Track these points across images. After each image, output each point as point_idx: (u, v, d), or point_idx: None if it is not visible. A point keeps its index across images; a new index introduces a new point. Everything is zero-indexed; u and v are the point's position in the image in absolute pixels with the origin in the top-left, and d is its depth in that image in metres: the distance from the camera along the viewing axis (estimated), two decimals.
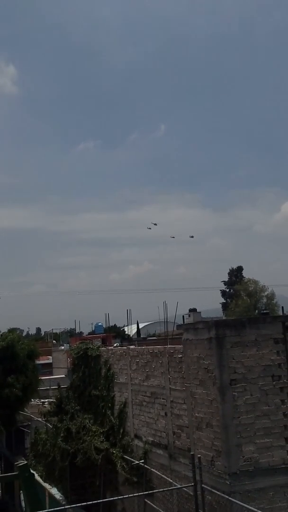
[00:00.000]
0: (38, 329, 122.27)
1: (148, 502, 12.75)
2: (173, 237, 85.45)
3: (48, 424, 20.04)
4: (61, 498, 18.01)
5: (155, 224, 74.67)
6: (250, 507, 9.12)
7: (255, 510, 8.96)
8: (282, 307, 19.82)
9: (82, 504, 11.78)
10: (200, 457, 9.98)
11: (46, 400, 27.81)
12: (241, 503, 9.34)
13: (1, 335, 25.36)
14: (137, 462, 13.57)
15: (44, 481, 19.35)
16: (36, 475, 19.12)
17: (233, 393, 10.11)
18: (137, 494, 12.67)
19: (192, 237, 78.85)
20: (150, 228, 75.16)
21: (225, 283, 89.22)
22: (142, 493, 12.40)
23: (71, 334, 63.27)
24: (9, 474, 17.14)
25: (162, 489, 11.78)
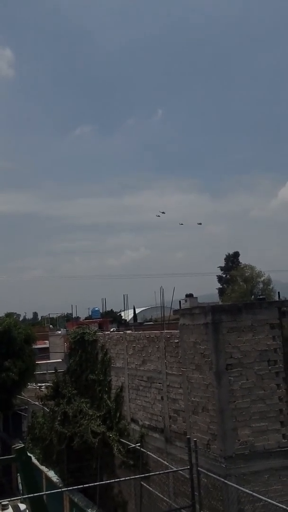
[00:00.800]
0: (35, 314, 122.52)
1: (144, 484, 12.89)
2: (182, 224, 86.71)
3: (45, 408, 20.18)
4: (58, 481, 18.20)
5: (163, 213, 78.17)
6: (245, 490, 9.23)
7: (250, 492, 9.07)
8: (278, 293, 19.87)
9: (79, 486, 11.95)
10: (196, 440, 10.07)
11: (43, 384, 27.97)
12: (236, 486, 9.45)
13: None
14: (133, 445, 13.69)
15: (41, 464, 19.54)
16: (33, 458, 19.30)
17: (229, 377, 10.17)
18: (134, 477, 12.80)
19: (200, 224, 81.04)
20: (158, 216, 78.45)
21: (221, 268, 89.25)
22: (138, 476, 12.52)
23: (68, 318, 63.39)
24: (7, 457, 17.28)
25: (158, 472, 11.91)
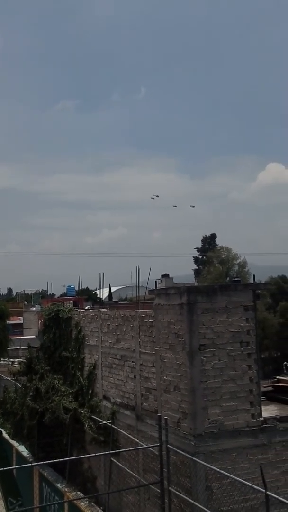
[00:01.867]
0: (10, 290, 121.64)
1: (114, 461, 13.03)
2: (157, 196, 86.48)
3: (17, 384, 20.15)
4: (28, 455, 18.28)
5: (157, 196, 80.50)
6: (213, 467, 9.41)
7: (218, 470, 9.26)
8: (254, 275, 20.05)
9: (49, 461, 12.01)
10: (166, 418, 10.19)
11: (16, 360, 27.90)
12: (205, 463, 9.62)
13: None
14: (104, 422, 13.79)
15: (12, 439, 19.59)
16: (4, 432, 19.34)
17: (202, 357, 10.27)
18: (104, 453, 12.93)
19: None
20: (153, 198, 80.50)
21: (198, 250, 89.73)
22: (108, 452, 12.65)
23: (42, 295, 63.13)
24: None
25: (128, 449, 12.04)
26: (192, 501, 9.68)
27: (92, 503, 13.59)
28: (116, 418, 13.65)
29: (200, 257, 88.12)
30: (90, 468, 15.35)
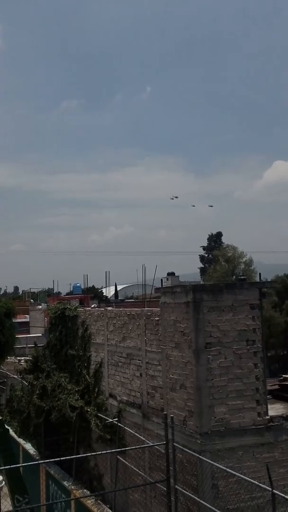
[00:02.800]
0: (16, 288, 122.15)
1: (121, 459, 13.06)
2: (176, 197, 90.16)
3: (24, 382, 20.20)
4: (35, 453, 18.35)
5: (176, 197, 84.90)
6: (219, 465, 9.41)
7: (224, 468, 9.25)
8: (260, 274, 20.06)
9: (56, 459, 12.03)
10: (172, 416, 10.19)
11: (23, 358, 27.97)
12: (211, 461, 9.63)
13: None
14: (111, 420, 13.82)
15: (19, 437, 19.66)
16: (10, 430, 19.40)
17: (208, 356, 10.26)
18: (110, 451, 12.95)
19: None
20: (172, 199, 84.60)
21: (204, 248, 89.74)
22: (115, 450, 12.67)
23: (49, 294, 63.31)
24: None
25: (134, 447, 12.06)
26: (198, 499, 9.68)
27: (99, 501, 13.62)
28: (122, 416, 13.67)
29: (206, 255, 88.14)
30: (97, 466, 15.39)
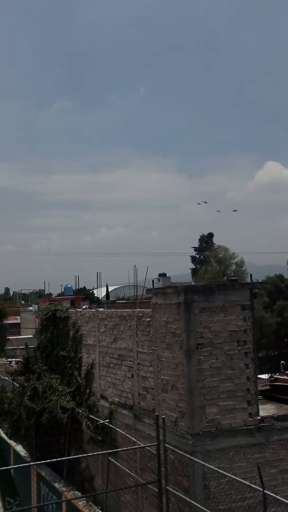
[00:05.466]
0: (7, 289, 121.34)
1: (112, 460, 13.03)
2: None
3: (15, 383, 20.12)
4: (26, 455, 18.27)
5: (205, 202, 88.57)
6: (210, 466, 9.43)
7: (215, 469, 9.27)
8: (251, 275, 20.05)
9: (47, 461, 12.01)
10: (164, 417, 10.20)
11: (13, 359, 27.88)
12: (202, 462, 9.64)
13: None
14: (102, 421, 13.79)
15: (10, 439, 19.58)
16: (1, 432, 19.33)
17: (199, 357, 10.27)
18: (102, 452, 12.93)
19: (235, 210, 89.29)
20: (199, 204, 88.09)
21: (195, 249, 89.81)
22: (106, 451, 12.65)
23: (40, 295, 63.11)
24: None
25: (126, 448, 12.05)
26: (189, 500, 9.69)
27: (90, 503, 13.59)
28: (113, 418, 13.65)
29: (198, 256, 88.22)
30: (88, 467, 15.35)
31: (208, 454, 10.00)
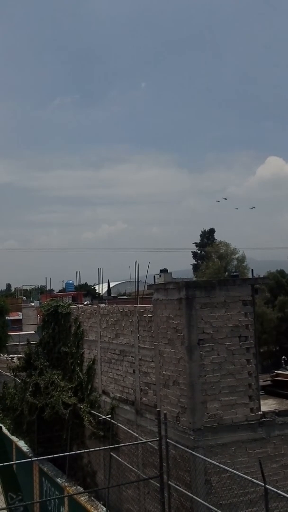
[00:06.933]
0: (9, 286, 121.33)
1: (114, 455, 13.06)
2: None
3: (17, 379, 20.17)
4: (28, 450, 18.33)
5: (225, 199, 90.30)
6: (212, 461, 9.45)
7: (217, 464, 9.29)
8: (252, 270, 20.07)
9: (49, 456, 12.03)
10: (166, 413, 10.21)
11: (15, 355, 27.94)
12: (204, 457, 9.66)
13: None
14: (104, 417, 13.82)
15: (12, 434, 19.63)
16: (3, 428, 19.37)
17: (201, 352, 10.28)
18: (103, 447, 12.96)
19: (253, 208, 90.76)
20: (218, 202, 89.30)
21: (196, 244, 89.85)
22: (108, 446, 12.68)
23: (41, 291, 63.20)
24: None
25: (128, 443, 12.08)
26: (191, 495, 9.71)
27: (92, 498, 13.64)
28: (115, 413, 13.68)
29: (199, 252, 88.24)
30: (90, 463, 15.40)
31: (210, 449, 10.02)
